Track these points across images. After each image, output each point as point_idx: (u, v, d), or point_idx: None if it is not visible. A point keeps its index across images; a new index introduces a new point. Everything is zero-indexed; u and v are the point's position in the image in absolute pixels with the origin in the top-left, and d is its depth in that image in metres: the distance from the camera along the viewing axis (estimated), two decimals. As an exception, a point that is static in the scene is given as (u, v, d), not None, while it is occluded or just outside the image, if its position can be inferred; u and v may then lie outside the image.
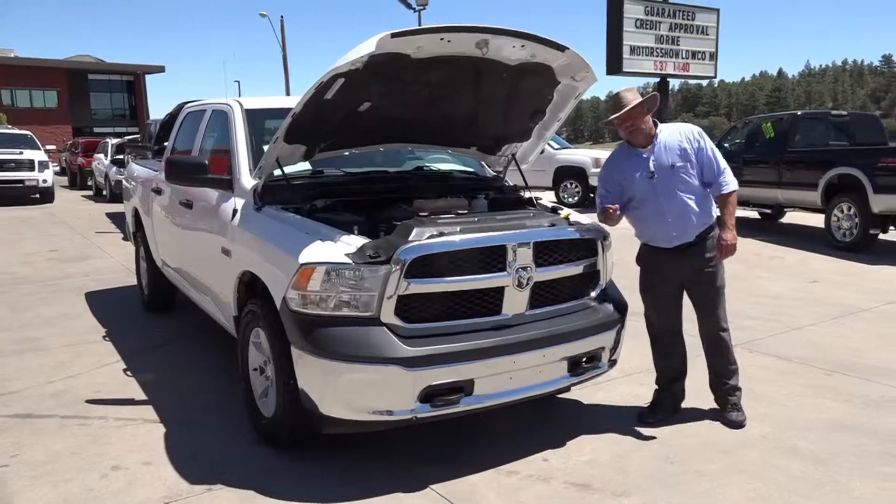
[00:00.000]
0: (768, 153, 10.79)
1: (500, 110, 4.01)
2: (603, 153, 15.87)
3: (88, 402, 4.18)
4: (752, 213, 12.81)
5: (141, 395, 4.29)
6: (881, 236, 9.21)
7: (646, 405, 3.91)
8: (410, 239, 3.07)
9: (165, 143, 7.90)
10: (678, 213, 3.58)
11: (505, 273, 3.19)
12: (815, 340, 5.33)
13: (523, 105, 4.00)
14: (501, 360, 3.14)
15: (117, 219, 12.84)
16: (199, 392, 4.31)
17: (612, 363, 3.67)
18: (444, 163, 4.81)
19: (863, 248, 9.05)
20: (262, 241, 3.50)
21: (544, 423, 3.79)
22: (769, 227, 11.79)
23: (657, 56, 14.66)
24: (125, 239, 9.15)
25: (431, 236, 3.11)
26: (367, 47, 3.06)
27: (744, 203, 11.77)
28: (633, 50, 14.14)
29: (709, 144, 3.65)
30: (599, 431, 3.68)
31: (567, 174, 15.15)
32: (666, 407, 3.86)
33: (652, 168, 3.60)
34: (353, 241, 3.12)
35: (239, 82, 48.00)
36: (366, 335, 2.99)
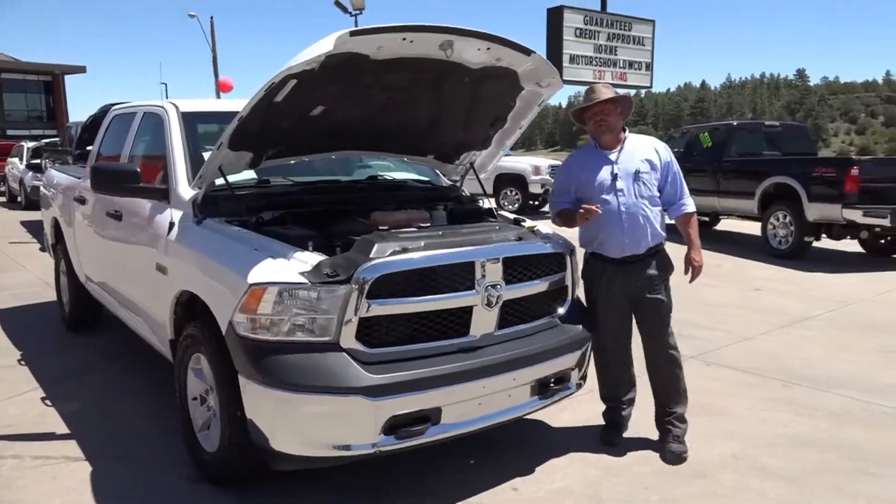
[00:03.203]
0: (706, 162, 10.97)
1: (460, 117, 3.79)
2: (542, 161, 15.94)
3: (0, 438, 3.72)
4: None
5: (62, 429, 3.85)
6: (814, 244, 9.47)
7: (605, 425, 3.76)
8: (372, 256, 2.81)
9: (88, 148, 7.38)
10: (634, 220, 3.43)
11: (473, 291, 2.97)
12: (767, 350, 5.33)
13: (484, 112, 3.80)
14: (470, 386, 2.91)
15: (34, 228, 12.00)
16: (130, 422, 3.91)
17: (581, 384, 3.49)
18: (397, 171, 4.56)
19: (798, 255, 9.29)
20: (204, 257, 3.16)
21: (510, 447, 3.58)
22: (704, 234, 11.97)
23: (596, 65, 14.82)
24: (42, 250, 8.48)
25: (394, 252, 2.86)
26: (323, 46, 2.78)
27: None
28: (572, 59, 14.23)
29: (675, 164, 3.57)
30: (568, 455, 3.50)
31: (507, 181, 15.11)
32: (624, 425, 3.72)
33: (615, 170, 3.46)
34: (308, 259, 2.84)
35: (166, 84, 46.49)
36: (324, 362, 2.71)
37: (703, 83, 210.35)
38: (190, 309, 3.38)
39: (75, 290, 5.51)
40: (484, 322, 3.04)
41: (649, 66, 15.94)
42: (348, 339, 2.74)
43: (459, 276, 2.94)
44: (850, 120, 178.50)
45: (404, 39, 3.00)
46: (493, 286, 3.01)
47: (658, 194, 3.50)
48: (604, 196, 3.45)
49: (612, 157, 3.50)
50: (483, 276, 2.98)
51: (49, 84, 43.26)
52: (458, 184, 4.35)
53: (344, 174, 4.50)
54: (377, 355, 2.80)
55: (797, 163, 9.82)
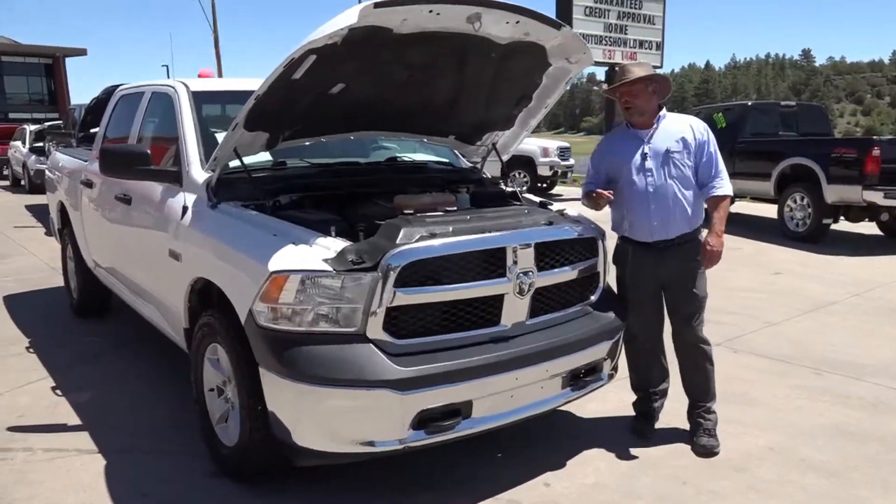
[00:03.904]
0: (719, 143, 10.64)
1: (483, 96, 3.62)
2: (551, 143, 15.70)
3: (10, 429, 3.60)
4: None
5: (74, 420, 3.73)
6: (832, 226, 9.29)
7: (635, 414, 3.63)
8: (398, 241, 2.66)
9: (92, 130, 7.22)
10: (662, 201, 3.28)
11: (504, 279, 2.82)
12: (794, 336, 5.19)
13: (510, 90, 3.63)
14: (502, 378, 2.77)
15: (38, 212, 11.86)
16: (143, 413, 3.79)
17: (612, 374, 3.35)
18: (416, 153, 4.39)
19: (816, 238, 9.11)
20: (220, 244, 3.02)
21: (539, 439, 3.45)
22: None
23: (606, 45, 14.59)
24: (48, 234, 8.35)
25: (422, 238, 2.71)
26: (346, 19, 2.62)
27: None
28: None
29: (713, 143, 3.39)
30: (599, 447, 3.37)
31: (515, 164, 14.89)
32: (655, 415, 3.59)
33: (646, 150, 3.31)
34: (331, 245, 2.69)
35: (167, 66, 45.91)
36: (350, 354, 2.57)
37: (708, 64, 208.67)
38: (205, 297, 3.25)
39: (83, 275, 5.37)
40: (515, 311, 2.89)
41: (660, 46, 15.69)
42: (375, 329, 2.60)
43: (490, 262, 2.79)
44: (856, 101, 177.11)
45: (430, 12, 2.83)
46: (525, 273, 2.86)
47: (693, 175, 3.34)
48: (633, 177, 3.30)
49: (644, 136, 3.34)
50: (514, 263, 2.83)
51: (50, 67, 42.93)
52: (479, 165, 4.19)
53: (360, 156, 4.33)
54: (405, 346, 2.66)
55: (815, 143, 9.60)
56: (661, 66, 16.03)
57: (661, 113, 3.38)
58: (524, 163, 14.81)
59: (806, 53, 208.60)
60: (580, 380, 3.13)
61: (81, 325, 5.48)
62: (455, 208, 3.28)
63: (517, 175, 15.09)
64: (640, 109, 3.32)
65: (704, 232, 3.41)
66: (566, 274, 3.08)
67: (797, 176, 9.39)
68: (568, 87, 3.68)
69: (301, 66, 2.82)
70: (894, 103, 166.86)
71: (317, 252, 2.65)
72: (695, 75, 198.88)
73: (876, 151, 8.43)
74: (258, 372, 2.71)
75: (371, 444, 2.62)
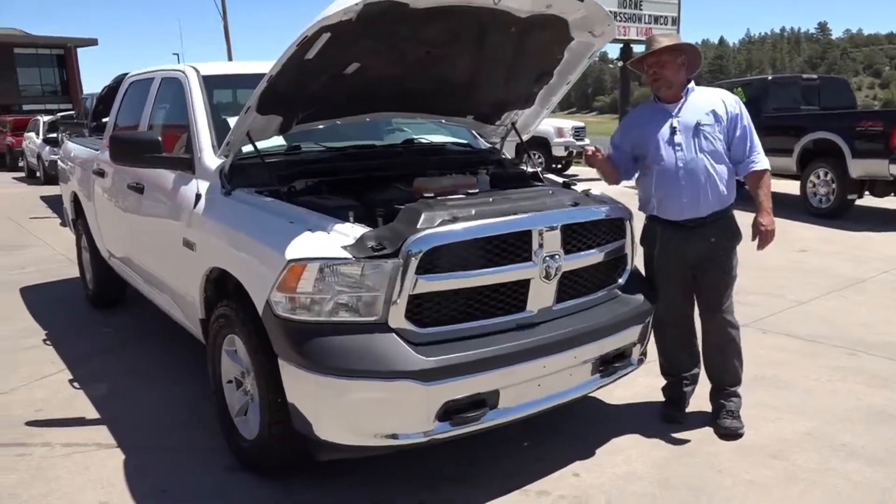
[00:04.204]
0: (740, 119, 10.50)
1: (502, 73, 3.48)
2: (565, 122, 15.46)
3: (28, 424, 3.55)
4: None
5: (92, 413, 3.68)
6: (857, 202, 9.07)
7: (665, 400, 3.52)
8: (419, 226, 2.55)
9: (104, 119, 7.14)
10: (693, 177, 3.15)
11: (531, 263, 2.70)
12: (825, 316, 5.04)
13: (530, 66, 3.49)
14: (530, 366, 2.67)
15: (54, 202, 11.86)
16: (162, 406, 3.72)
17: (642, 359, 3.24)
18: (432, 134, 4.26)
19: (841, 214, 8.90)
20: (235, 232, 2.92)
21: (565, 427, 3.35)
22: (740, 194, 11.62)
23: (620, 21, 14.28)
24: (63, 224, 8.32)
25: (444, 222, 2.59)
26: (361, -8, 2.49)
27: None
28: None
29: (746, 117, 3.23)
30: (628, 434, 3.27)
31: (530, 144, 14.68)
32: (686, 400, 3.48)
33: (675, 123, 3.18)
34: (350, 231, 2.59)
35: (178, 55, 45.92)
36: (372, 344, 2.48)
37: (722, 39, 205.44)
38: (221, 286, 3.16)
39: (98, 266, 5.32)
40: (542, 296, 2.78)
41: (675, 21, 15.38)
42: (397, 318, 2.50)
43: (515, 246, 2.68)
44: (874, 73, 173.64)
45: None
46: (552, 256, 2.74)
47: (725, 150, 3.19)
48: (661, 152, 3.17)
49: (673, 110, 3.20)
50: (540, 246, 2.71)
51: (62, 57, 43.01)
52: (497, 146, 4.06)
53: (375, 138, 4.21)
54: (428, 335, 2.56)
55: (839, 117, 9.34)
56: (677, 42, 15.70)
57: (690, 86, 3.24)
58: (539, 143, 14.60)
59: (822, 26, 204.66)
60: (609, 366, 3.02)
61: (97, 315, 5.44)
62: (477, 191, 3.16)
63: (532, 156, 14.90)
64: (669, 81, 3.18)
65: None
66: (594, 256, 2.96)
67: (820, 151, 9.15)
68: (591, 63, 3.52)
69: (314, 46, 2.70)
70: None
71: (335, 239, 2.55)
72: (709, 51, 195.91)
73: (903, 124, 8.17)
74: (277, 363, 2.63)
75: (395, 437, 2.53)
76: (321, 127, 3.46)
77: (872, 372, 3.96)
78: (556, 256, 2.76)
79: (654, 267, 3.33)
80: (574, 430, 3.33)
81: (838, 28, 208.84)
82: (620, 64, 15.84)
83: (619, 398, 3.66)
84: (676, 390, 3.47)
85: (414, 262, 2.45)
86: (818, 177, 9.19)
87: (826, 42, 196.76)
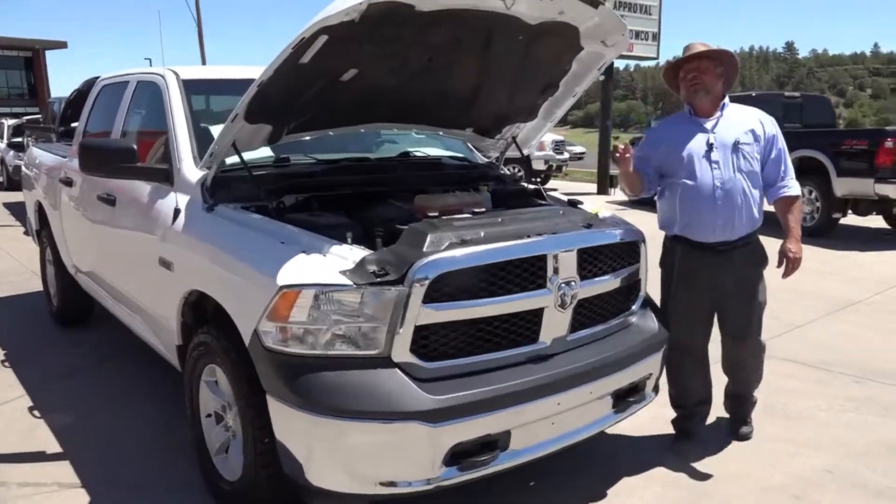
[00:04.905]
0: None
1: (506, 84, 3.27)
2: (546, 136, 15.32)
3: (-18, 459, 3.23)
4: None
5: (53, 446, 3.36)
6: (841, 220, 9.04)
7: (675, 433, 3.33)
8: (425, 249, 2.31)
9: (73, 125, 6.79)
10: (730, 198, 2.98)
11: (545, 290, 2.48)
12: (824, 340, 4.90)
13: (535, 77, 3.28)
14: (544, 403, 2.43)
15: (17, 210, 11.36)
16: (131, 437, 3.42)
17: (656, 392, 3.03)
18: (425, 146, 4.03)
19: (825, 232, 8.86)
20: (218, 252, 2.65)
21: (571, 462, 3.11)
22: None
23: (602, 35, 14.21)
24: (27, 234, 7.90)
25: (451, 245, 2.36)
26: (366, -8, 2.26)
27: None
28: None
29: (782, 139, 3.12)
30: (638, 471, 3.06)
31: (509, 158, 14.53)
32: (697, 432, 3.29)
33: (712, 140, 3.00)
34: (348, 254, 2.34)
35: (150, 60, 45.00)
36: (373, 381, 2.22)
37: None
38: (201, 310, 2.89)
39: (63, 281, 4.98)
40: (555, 326, 2.55)
41: (656, 37, 15.35)
42: (401, 351, 2.25)
43: (529, 272, 2.45)
44: (839, 93, 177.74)
45: None
46: (567, 283, 2.52)
47: (760, 171, 3.04)
48: (695, 169, 2.98)
49: (709, 125, 3.03)
50: (555, 272, 2.49)
51: (29, 60, 42.00)
52: (496, 160, 3.85)
53: (363, 150, 3.97)
54: (434, 370, 2.31)
55: (825, 135, 9.32)
56: (657, 58, 15.75)
57: (725, 101, 3.07)
58: (518, 157, 14.44)
59: (789, 46, 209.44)
60: (623, 400, 2.80)
61: (62, 334, 5.08)
62: (483, 210, 2.93)
63: (510, 169, 14.74)
64: (708, 89, 3.01)
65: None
66: (609, 283, 2.75)
67: (805, 169, 9.04)
68: (599, 74, 3.33)
69: (311, 49, 2.46)
70: (876, 95, 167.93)
71: (332, 262, 2.30)
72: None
73: (889, 143, 8.15)
74: (265, 399, 2.36)
75: (396, 484, 2.27)
76: (308, 138, 3.21)
77: (884, 402, 3.80)
78: (572, 283, 2.54)
79: (674, 291, 3.14)
80: (580, 465, 3.10)
81: (805, 48, 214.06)
82: (602, 77, 15.77)
83: (624, 429, 3.43)
84: (688, 423, 3.28)
85: (420, 290, 2.22)
86: (802, 195, 9.12)
87: (793, 61, 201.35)
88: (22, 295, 6.23)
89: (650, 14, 15.07)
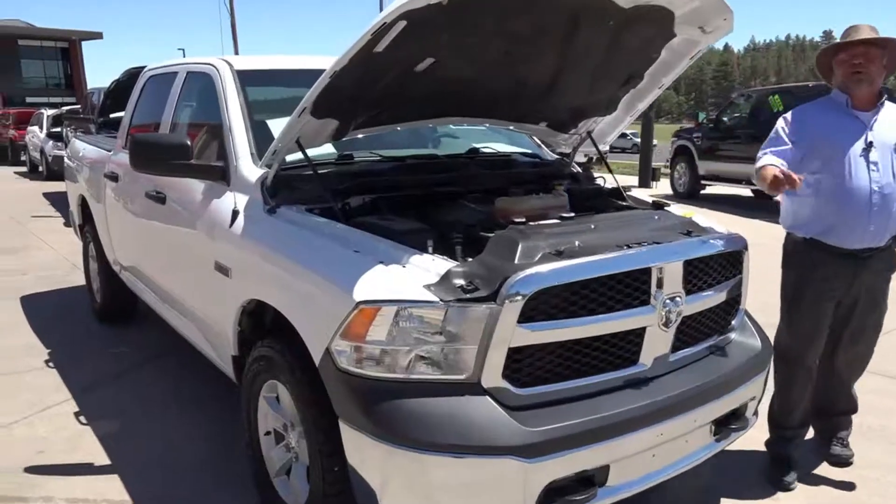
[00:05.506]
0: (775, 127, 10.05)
1: (587, 74, 2.99)
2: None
3: (27, 470, 3.06)
4: (745, 192, 12.24)
5: (101, 457, 3.19)
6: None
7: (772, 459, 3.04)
8: (518, 261, 2.06)
9: (113, 115, 6.66)
10: (886, 203, 2.69)
11: (649, 307, 2.21)
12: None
13: (619, 67, 3.00)
14: (646, 434, 2.17)
15: (57, 200, 11.38)
16: (182, 449, 3.24)
17: (757, 415, 2.75)
18: (490, 141, 3.76)
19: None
20: (283, 259, 2.42)
21: (661, 496, 2.84)
22: (768, 206, 11.17)
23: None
24: (67, 224, 7.83)
25: (545, 256, 2.10)
26: (457, -30, 2.00)
27: (748, 181, 11.14)
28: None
29: None
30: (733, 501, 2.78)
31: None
32: (797, 458, 3.00)
33: (871, 137, 2.69)
34: (431, 265, 2.10)
35: (183, 50, 45.38)
36: (461, 410, 1.98)
37: (727, 46, 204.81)
38: (260, 319, 2.67)
39: (107, 277, 4.83)
40: (657, 346, 2.29)
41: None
42: (492, 376, 2.00)
43: (632, 287, 2.18)
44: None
45: None
46: (672, 299, 2.25)
47: None
48: (850, 168, 2.68)
49: (867, 121, 2.72)
50: (659, 287, 2.22)
51: (66, 51, 42.57)
52: (568, 157, 3.57)
53: (421, 145, 3.73)
54: (527, 398, 2.06)
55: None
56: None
57: (883, 97, 2.76)
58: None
59: (827, 35, 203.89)
60: (724, 427, 2.52)
61: (106, 332, 4.94)
62: (572, 214, 2.66)
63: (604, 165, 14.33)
64: (872, 78, 2.69)
65: None
66: (715, 297, 2.47)
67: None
68: (691, 63, 3.03)
69: (387, 36, 2.21)
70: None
71: (414, 275, 2.06)
72: (713, 57, 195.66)
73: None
74: (336, 423, 2.13)
75: (485, 524, 2.03)
76: (359, 136, 2.95)
77: None
78: (677, 299, 2.27)
79: (798, 297, 2.87)
80: (676, 498, 2.82)
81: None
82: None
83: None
84: (785, 448, 2.99)
85: (515, 308, 1.96)
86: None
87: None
88: (63, 290, 6.12)
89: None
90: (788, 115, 2.86)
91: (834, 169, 2.70)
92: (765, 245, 3.58)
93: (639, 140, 23.78)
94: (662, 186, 13.79)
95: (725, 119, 12.01)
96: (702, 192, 12.42)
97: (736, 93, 13.21)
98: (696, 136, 12.33)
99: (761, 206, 11.11)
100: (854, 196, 2.68)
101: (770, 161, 2.70)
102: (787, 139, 2.77)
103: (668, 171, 13.45)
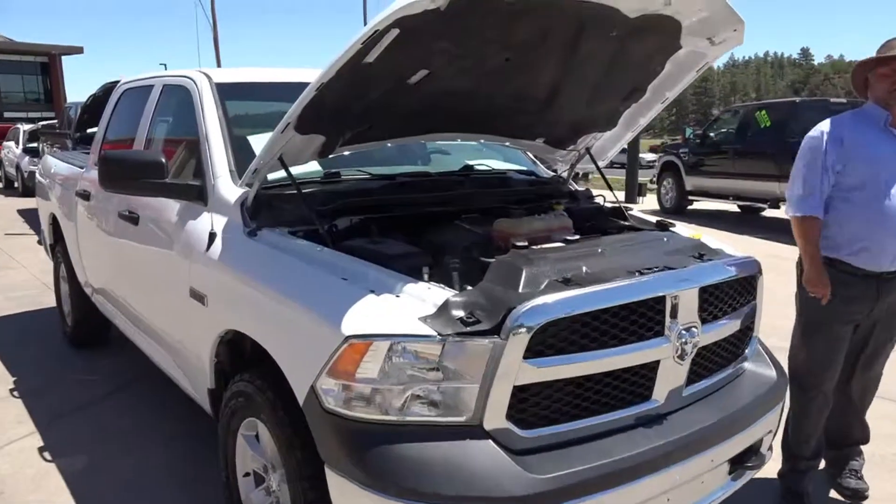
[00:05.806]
0: (764, 143, 10.02)
1: (588, 87, 2.83)
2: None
3: (-15, 514, 2.83)
4: (731, 207, 12.23)
5: (65, 499, 2.94)
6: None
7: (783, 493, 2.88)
8: (522, 290, 1.88)
9: (90, 130, 6.44)
10: None
11: (663, 339, 2.04)
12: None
13: (622, 80, 2.84)
14: (661, 477, 1.99)
15: (32, 217, 11.02)
16: (154, 489, 3.00)
17: (772, 449, 2.57)
18: (482, 157, 3.59)
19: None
20: (265, 287, 2.22)
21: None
22: (754, 221, 11.14)
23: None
24: (41, 243, 7.54)
25: (551, 284, 1.93)
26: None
27: (735, 197, 11.11)
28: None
29: None
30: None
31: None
32: (810, 492, 2.84)
33: None
34: (427, 294, 1.91)
35: (165, 65, 45.04)
36: (462, 456, 1.79)
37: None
38: (239, 349, 2.47)
39: (78, 300, 4.59)
40: (671, 380, 2.11)
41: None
42: (495, 418, 1.82)
43: (645, 317, 2.01)
44: (855, 98, 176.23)
45: None
46: (688, 329, 2.08)
47: None
48: (888, 189, 2.55)
49: None
50: (674, 316, 2.05)
51: (45, 65, 42.12)
52: (565, 174, 3.41)
53: (412, 162, 3.56)
54: (533, 440, 1.88)
55: None
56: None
57: None
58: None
59: (805, 52, 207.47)
60: (740, 465, 2.34)
61: (76, 357, 4.69)
62: (577, 236, 2.49)
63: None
64: None
65: None
66: (731, 325, 2.30)
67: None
68: (697, 76, 2.88)
69: (379, 45, 2.04)
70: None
71: (408, 305, 1.88)
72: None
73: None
74: (322, 468, 1.93)
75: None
76: (347, 153, 2.77)
77: None
78: (693, 329, 2.09)
79: (816, 319, 2.74)
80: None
81: (820, 54, 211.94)
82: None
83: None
84: (801, 482, 2.83)
85: (521, 342, 1.78)
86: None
87: (809, 67, 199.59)
88: (34, 312, 5.85)
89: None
90: (822, 133, 2.65)
91: (870, 189, 2.57)
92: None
93: (649, 156, 23.40)
94: (649, 202, 13.73)
95: (712, 134, 11.98)
96: (688, 207, 12.38)
97: (723, 110, 13.20)
98: (683, 152, 12.30)
99: (748, 222, 11.09)
100: (887, 218, 2.55)
101: (815, 212, 2.62)
102: (828, 166, 2.62)
103: (655, 186, 13.41)
